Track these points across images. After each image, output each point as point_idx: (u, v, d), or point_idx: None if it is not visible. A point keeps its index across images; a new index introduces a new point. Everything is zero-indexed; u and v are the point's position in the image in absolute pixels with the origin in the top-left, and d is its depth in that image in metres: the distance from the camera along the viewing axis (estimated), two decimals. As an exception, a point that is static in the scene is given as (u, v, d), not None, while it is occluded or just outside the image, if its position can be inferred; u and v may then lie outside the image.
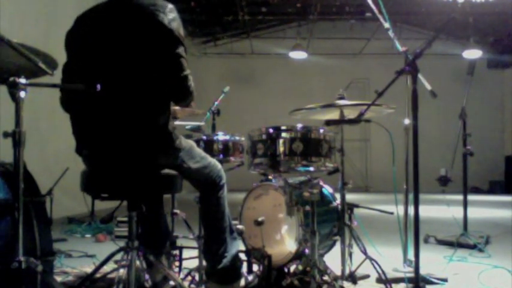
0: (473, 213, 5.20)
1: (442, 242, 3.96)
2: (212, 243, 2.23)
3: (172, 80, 1.90)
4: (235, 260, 2.27)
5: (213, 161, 2.21)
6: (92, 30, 1.95)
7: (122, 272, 1.89)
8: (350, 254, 2.59)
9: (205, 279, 2.31)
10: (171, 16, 1.90)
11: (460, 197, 3.92)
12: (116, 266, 1.98)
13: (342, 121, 2.65)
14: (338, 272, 2.59)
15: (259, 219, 2.44)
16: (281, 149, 2.32)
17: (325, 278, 2.39)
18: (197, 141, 2.47)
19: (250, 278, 2.35)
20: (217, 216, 2.22)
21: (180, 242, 2.71)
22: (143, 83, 1.87)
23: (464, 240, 3.75)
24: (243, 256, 2.41)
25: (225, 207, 2.24)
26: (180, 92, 1.95)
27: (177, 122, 2.62)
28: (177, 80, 1.91)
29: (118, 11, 1.95)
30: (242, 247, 2.50)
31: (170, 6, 1.94)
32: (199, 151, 2.17)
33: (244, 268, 2.41)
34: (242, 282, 2.30)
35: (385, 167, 5.04)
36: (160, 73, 1.88)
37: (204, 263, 2.36)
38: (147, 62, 1.87)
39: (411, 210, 1.98)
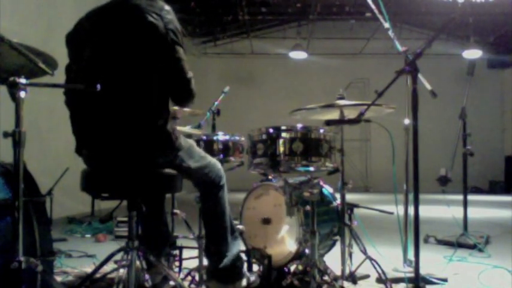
0: (473, 213, 5.19)
1: (442, 242, 3.96)
2: (213, 242, 2.24)
3: (176, 84, 1.95)
4: (237, 260, 2.27)
5: (213, 160, 2.21)
6: (91, 32, 1.97)
7: (122, 272, 1.89)
8: (350, 254, 2.59)
9: (207, 278, 2.31)
10: (167, 19, 1.90)
11: (460, 197, 3.92)
12: (116, 266, 1.98)
13: (342, 121, 2.65)
14: (338, 272, 2.59)
15: (265, 217, 2.45)
16: (281, 149, 2.32)
17: (325, 278, 2.39)
18: (197, 141, 2.47)
19: (252, 278, 2.35)
20: (218, 216, 2.22)
21: (180, 242, 2.71)
22: (141, 83, 1.88)
23: (464, 240, 3.75)
24: (243, 256, 2.41)
25: (225, 207, 2.24)
26: (184, 95, 2.00)
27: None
28: (182, 84, 1.96)
29: (115, 13, 1.97)
30: (243, 247, 2.50)
31: (167, 8, 1.95)
32: (199, 151, 2.17)
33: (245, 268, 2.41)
34: (244, 282, 2.30)
35: (385, 167, 5.04)
36: (162, 76, 1.90)
37: (205, 262, 2.36)
38: (146, 64, 1.88)
39: (411, 210, 1.98)
